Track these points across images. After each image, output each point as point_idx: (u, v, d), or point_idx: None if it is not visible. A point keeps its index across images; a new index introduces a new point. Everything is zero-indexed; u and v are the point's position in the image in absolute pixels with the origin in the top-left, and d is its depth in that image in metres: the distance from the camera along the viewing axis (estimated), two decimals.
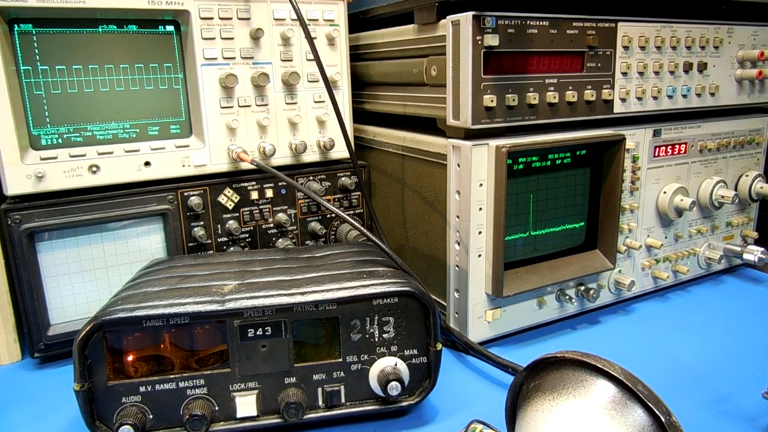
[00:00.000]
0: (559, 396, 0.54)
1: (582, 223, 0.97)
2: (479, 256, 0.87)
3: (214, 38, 0.89)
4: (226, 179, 0.94)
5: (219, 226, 0.94)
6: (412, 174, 1.00)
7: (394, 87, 1.03)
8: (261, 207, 0.97)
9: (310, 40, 0.88)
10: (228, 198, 0.94)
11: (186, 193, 0.91)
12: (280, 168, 0.93)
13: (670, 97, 1.00)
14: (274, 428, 0.70)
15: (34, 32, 0.80)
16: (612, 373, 0.53)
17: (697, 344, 0.90)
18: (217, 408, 0.67)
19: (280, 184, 0.98)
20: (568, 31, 0.87)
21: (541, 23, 0.84)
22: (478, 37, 0.79)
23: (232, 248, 0.96)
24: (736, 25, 1.05)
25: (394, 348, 0.71)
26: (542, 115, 0.88)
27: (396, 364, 0.70)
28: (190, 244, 0.93)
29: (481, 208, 0.86)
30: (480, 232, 0.86)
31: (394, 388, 0.68)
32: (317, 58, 0.88)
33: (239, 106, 0.93)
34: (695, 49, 1.02)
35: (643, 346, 0.90)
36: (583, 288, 0.97)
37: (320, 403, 0.70)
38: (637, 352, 0.88)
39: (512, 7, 0.82)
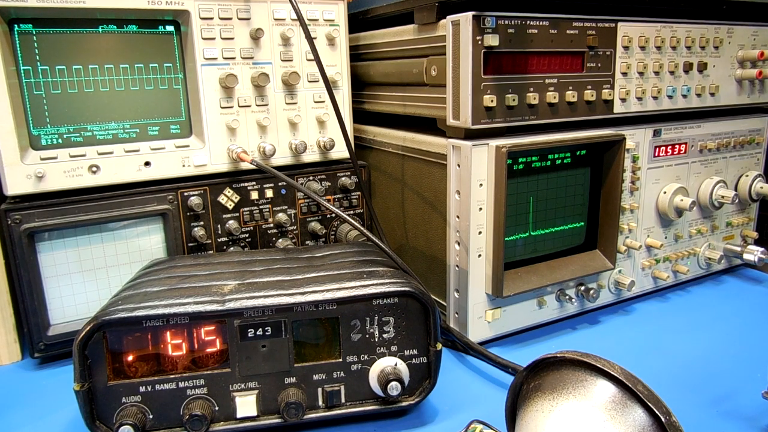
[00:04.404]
0: (559, 396, 0.54)
1: (582, 223, 0.97)
2: (479, 256, 0.87)
3: (214, 38, 0.89)
4: (226, 179, 0.94)
5: (219, 226, 0.94)
6: (412, 174, 1.00)
7: (394, 87, 1.03)
8: (261, 207, 0.97)
9: (310, 40, 0.88)
10: (228, 198, 0.94)
11: (186, 193, 0.91)
12: (280, 168, 0.93)
13: (670, 97, 1.00)
14: (274, 428, 0.70)
15: (34, 32, 0.80)
16: (612, 373, 0.53)
17: (697, 344, 0.90)
18: (217, 408, 0.67)
19: (280, 184, 0.98)
20: (568, 31, 0.87)
21: (541, 23, 0.84)
22: (478, 37, 0.79)
23: (232, 248, 0.96)
24: (736, 25, 1.05)
25: (394, 348, 0.71)
26: (542, 115, 0.88)
27: (396, 364, 0.70)
28: (190, 244, 0.93)
29: (481, 208, 0.86)
30: (480, 232, 0.86)
31: (394, 388, 0.68)
32: (317, 58, 0.88)
33: (239, 106, 0.93)
34: (695, 49, 1.02)
35: (643, 346, 0.90)
36: (583, 288, 0.97)
37: (320, 403, 0.70)
38: (637, 352, 0.88)
39: (512, 7, 0.82)
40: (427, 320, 0.70)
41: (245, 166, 0.94)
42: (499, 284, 0.86)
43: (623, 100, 0.95)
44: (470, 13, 0.78)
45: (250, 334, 0.67)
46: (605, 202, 0.96)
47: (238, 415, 0.68)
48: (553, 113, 0.89)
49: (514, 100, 0.84)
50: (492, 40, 0.79)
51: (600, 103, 0.93)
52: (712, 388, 0.78)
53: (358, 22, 1.11)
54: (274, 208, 0.98)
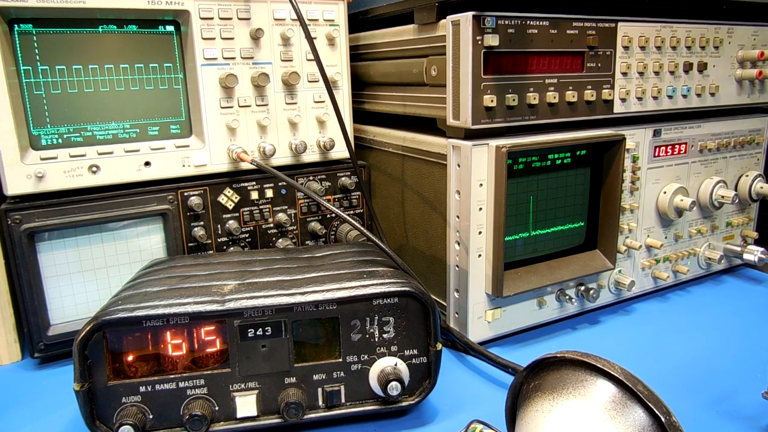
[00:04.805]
0: (559, 396, 0.54)
1: (582, 223, 0.97)
2: (479, 256, 0.87)
3: (214, 38, 0.89)
4: (226, 179, 0.94)
5: (219, 226, 0.94)
6: (412, 174, 1.00)
7: (394, 87, 1.03)
8: (261, 207, 0.97)
9: (310, 40, 0.88)
10: (228, 198, 0.94)
11: (186, 193, 0.91)
12: (280, 168, 0.93)
13: (670, 97, 1.00)
14: (274, 428, 0.70)
15: (34, 32, 0.80)
16: (612, 373, 0.53)
17: (697, 344, 0.90)
18: (217, 408, 0.67)
19: (280, 184, 0.98)
20: (568, 31, 0.87)
21: (541, 23, 0.84)
22: (478, 37, 0.79)
23: (232, 248, 0.96)
24: (736, 25, 1.05)
25: (394, 348, 0.71)
26: (542, 115, 0.88)
27: (396, 364, 0.70)
28: (190, 244, 0.93)
29: (481, 208, 0.86)
30: (480, 232, 0.86)
31: (394, 388, 0.68)
32: (317, 58, 0.88)
33: (239, 106, 0.93)
34: (695, 49, 1.02)
35: (643, 346, 0.90)
36: (583, 288, 0.97)
37: (320, 403, 0.70)
38: (637, 352, 0.88)
39: (512, 7, 0.82)
40: (427, 320, 0.70)
41: (245, 166, 0.94)
42: (499, 284, 0.86)
43: (623, 100, 0.95)
44: (470, 13, 0.78)
45: (250, 334, 0.67)
46: (605, 202, 0.96)
47: (238, 415, 0.68)
48: (553, 113, 0.89)
49: (514, 100, 0.84)
50: (492, 40, 0.79)
51: (600, 103, 0.93)
52: (712, 388, 0.78)
53: (358, 22, 1.11)
54: (274, 208, 0.98)
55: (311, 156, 1.00)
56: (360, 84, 1.14)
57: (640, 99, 0.97)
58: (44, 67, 0.81)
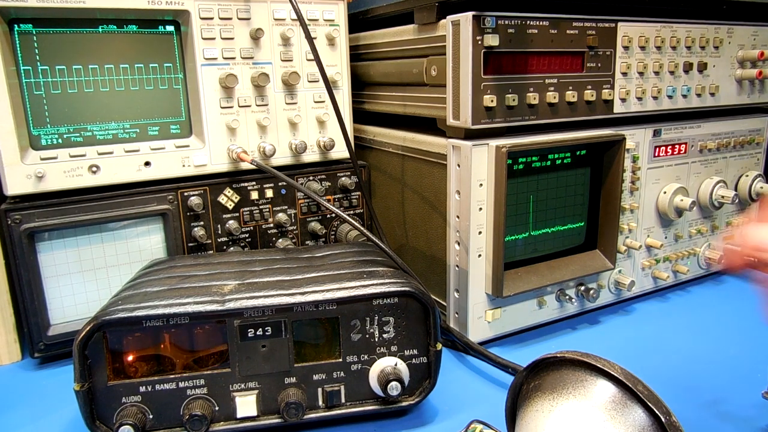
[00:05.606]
0: (559, 396, 0.54)
1: (582, 223, 0.97)
2: (479, 256, 0.87)
3: (214, 38, 0.89)
4: (226, 179, 0.94)
5: (219, 226, 0.94)
6: (412, 174, 1.00)
7: (394, 87, 1.03)
8: (261, 207, 0.97)
9: (310, 40, 0.88)
10: (228, 198, 0.94)
11: (186, 193, 0.91)
12: (280, 168, 0.93)
13: (670, 97, 1.00)
14: (274, 428, 0.70)
15: (34, 32, 0.80)
16: (612, 373, 0.53)
17: (697, 344, 0.90)
18: (217, 408, 0.67)
19: (280, 184, 0.98)
20: (568, 31, 0.87)
21: (541, 23, 0.84)
22: (478, 37, 0.79)
23: (232, 248, 0.96)
24: (736, 25, 1.05)
25: (394, 348, 0.71)
26: (542, 115, 0.88)
27: (396, 364, 0.70)
28: (190, 244, 0.93)
29: (481, 208, 0.86)
30: (480, 232, 0.86)
31: (394, 388, 0.68)
32: (317, 58, 0.88)
33: (239, 106, 0.93)
34: (695, 49, 1.02)
35: (643, 346, 0.90)
36: (583, 288, 0.97)
37: (320, 403, 0.70)
38: (637, 352, 0.88)
39: (512, 7, 0.82)
40: (427, 320, 0.70)
41: (245, 166, 0.94)
42: (499, 284, 0.86)
43: (623, 100, 0.95)
44: (470, 13, 0.78)
45: (250, 334, 0.67)
46: (605, 202, 0.96)
47: (238, 415, 0.68)
48: (553, 113, 0.89)
49: (514, 100, 0.84)
50: (492, 40, 0.79)
51: (600, 103, 0.93)
52: (712, 388, 0.78)
53: (358, 22, 1.11)
54: (274, 208, 0.98)
55: (311, 156, 1.00)
56: (360, 84, 1.14)
57: (640, 99, 0.97)
58: (44, 67, 0.81)
